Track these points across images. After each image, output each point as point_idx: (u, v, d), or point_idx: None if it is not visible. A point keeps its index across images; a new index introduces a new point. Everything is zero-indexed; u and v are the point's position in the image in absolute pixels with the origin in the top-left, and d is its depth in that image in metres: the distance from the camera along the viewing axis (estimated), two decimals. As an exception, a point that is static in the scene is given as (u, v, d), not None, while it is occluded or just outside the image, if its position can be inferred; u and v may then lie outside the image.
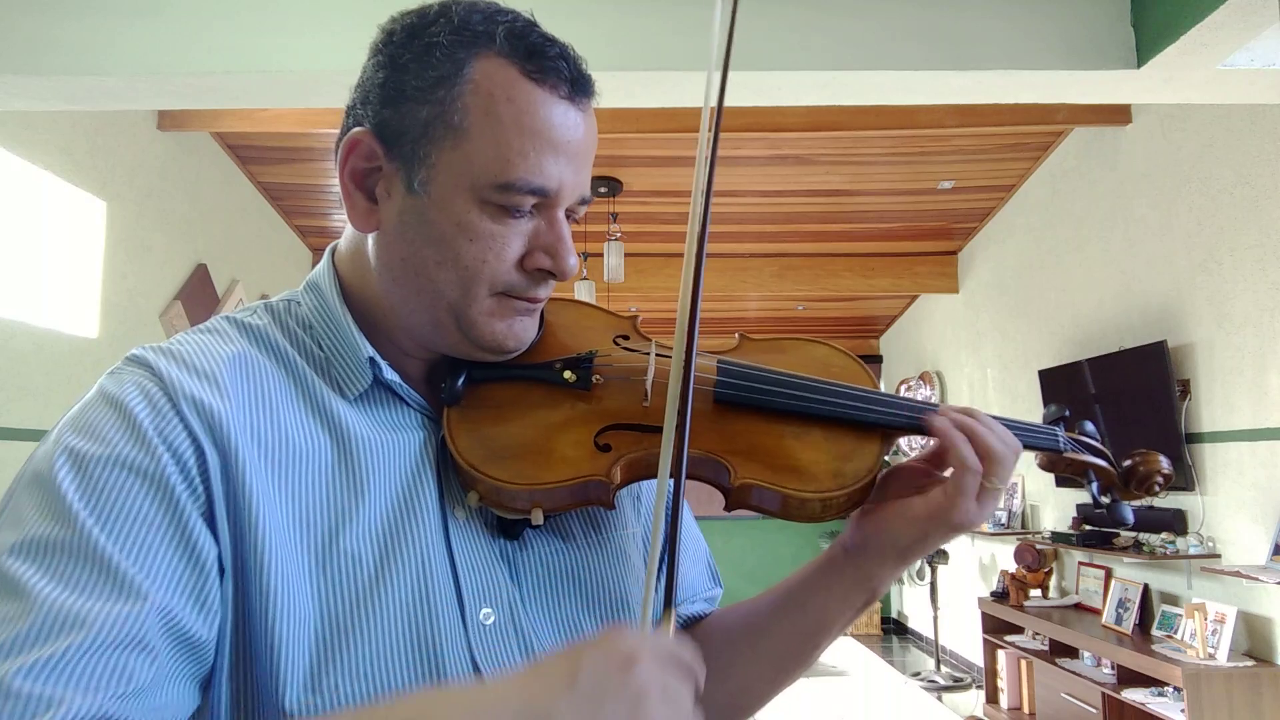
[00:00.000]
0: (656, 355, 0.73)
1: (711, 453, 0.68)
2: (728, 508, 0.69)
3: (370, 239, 0.67)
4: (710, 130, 0.66)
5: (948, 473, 0.69)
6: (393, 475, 0.64)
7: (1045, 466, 0.78)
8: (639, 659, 0.49)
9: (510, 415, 0.69)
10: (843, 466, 0.69)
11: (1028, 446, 0.73)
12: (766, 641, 0.76)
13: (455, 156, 0.62)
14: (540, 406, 0.70)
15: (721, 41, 0.67)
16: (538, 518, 0.65)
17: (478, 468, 0.64)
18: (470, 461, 0.64)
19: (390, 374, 0.67)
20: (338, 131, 0.69)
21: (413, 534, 0.62)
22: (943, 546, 6.22)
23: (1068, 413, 0.78)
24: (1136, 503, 0.77)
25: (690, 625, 0.82)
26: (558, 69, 0.64)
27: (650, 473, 0.68)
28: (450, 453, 0.65)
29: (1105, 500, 0.77)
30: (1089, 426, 0.78)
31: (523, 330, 0.68)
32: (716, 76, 0.66)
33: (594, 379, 0.70)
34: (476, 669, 0.61)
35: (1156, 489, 0.76)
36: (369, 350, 0.66)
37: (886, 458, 0.72)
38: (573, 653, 0.50)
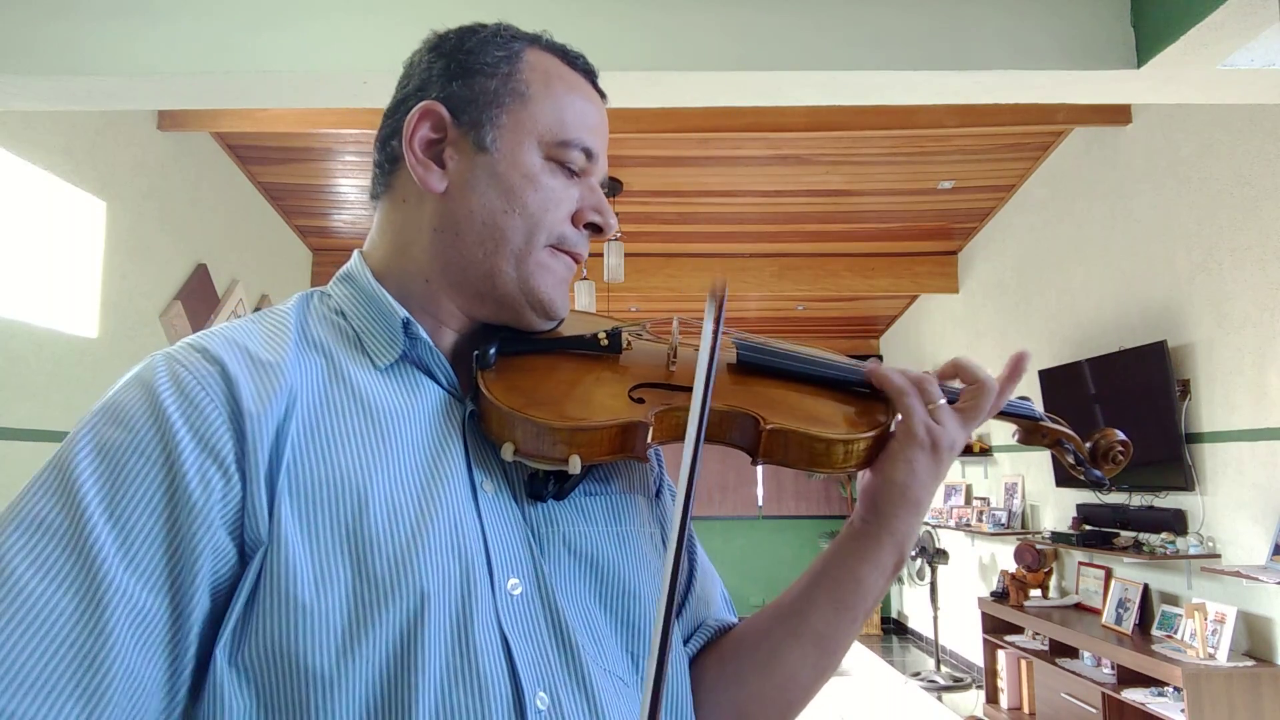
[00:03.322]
0: (679, 330, 0.80)
1: (739, 407, 0.72)
2: (755, 461, 0.73)
3: (429, 205, 0.73)
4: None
5: None
6: (422, 446, 0.66)
7: (1024, 439, 0.87)
8: None
9: (545, 376, 0.72)
10: (858, 418, 0.76)
11: (1007, 414, 0.82)
12: (805, 623, 0.77)
13: (522, 116, 0.72)
14: (573, 370, 0.74)
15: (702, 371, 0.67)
16: (575, 465, 0.66)
17: (519, 410, 0.66)
18: (511, 405, 0.66)
19: (424, 335, 0.70)
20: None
21: (444, 502, 0.64)
22: (942, 547, 6.23)
23: (1031, 399, 0.88)
24: (1107, 475, 0.87)
25: (718, 638, 0.83)
26: (588, 66, 0.78)
27: (678, 433, 0.71)
28: (486, 403, 0.68)
29: (1082, 466, 0.86)
30: (1050, 414, 0.88)
31: (565, 295, 0.76)
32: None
33: (625, 344, 0.76)
34: (504, 638, 0.62)
35: (1119, 459, 0.85)
36: (403, 313, 0.70)
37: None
38: None
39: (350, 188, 5.46)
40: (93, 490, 0.55)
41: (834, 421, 0.74)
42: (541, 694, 0.61)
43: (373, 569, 0.59)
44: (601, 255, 4.91)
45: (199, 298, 4.83)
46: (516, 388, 0.69)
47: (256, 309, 5.64)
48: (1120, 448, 0.85)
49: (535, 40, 0.76)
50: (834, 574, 0.77)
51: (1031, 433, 0.86)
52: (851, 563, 0.76)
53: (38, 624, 0.52)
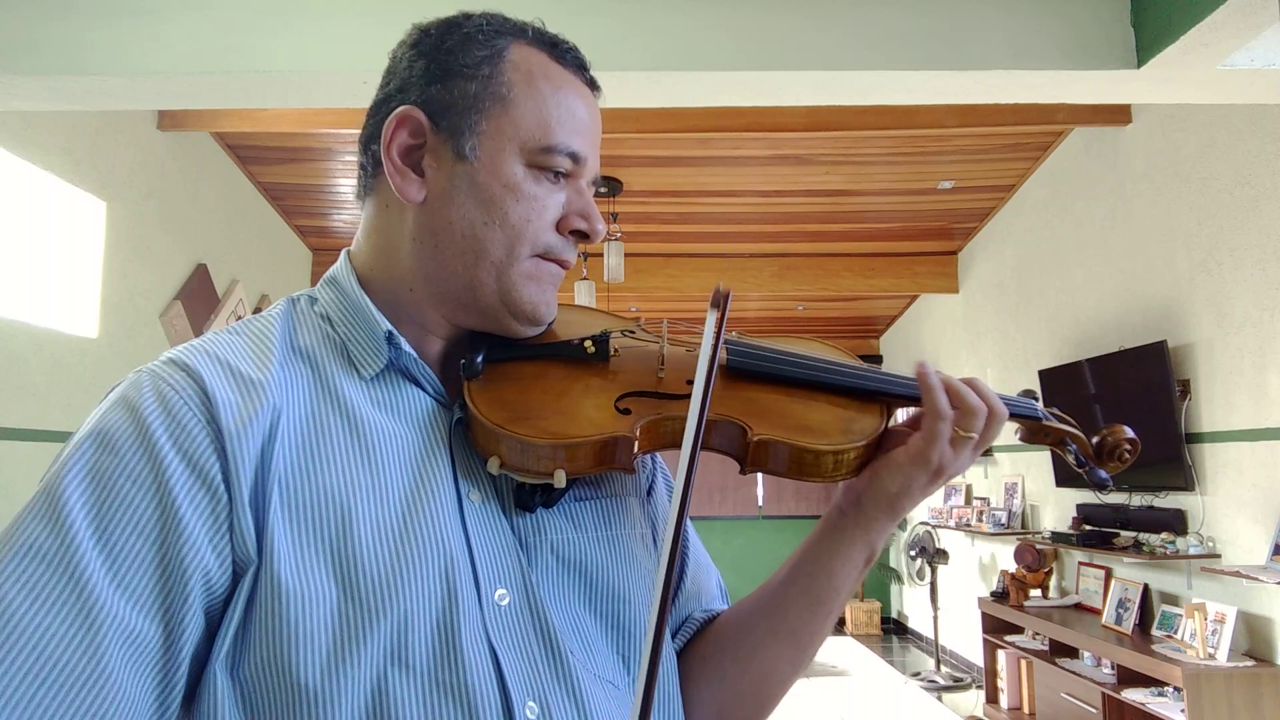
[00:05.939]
0: (668, 333, 0.79)
1: (727, 415, 0.71)
2: (744, 470, 0.72)
3: (410, 215, 0.71)
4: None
5: None
6: (407, 457, 0.65)
7: (1026, 438, 0.84)
8: None
9: (531, 385, 0.71)
10: (850, 426, 0.74)
11: (1012, 416, 0.79)
12: (781, 617, 0.78)
13: (503, 123, 0.69)
14: (560, 378, 0.73)
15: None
16: (560, 479, 0.65)
17: (503, 425, 0.65)
18: (495, 420, 0.65)
19: (407, 347, 0.69)
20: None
21: (429, 514, 0.63)
22: (942, 547, 6.22)
23: (1038, 394, 0.85)
24: (1111, 473, 0.84)
25: (703, 629, 0.83)
26: (578, 59, 0.74)
27: (666, 441, 0.71)
28: (471, 416, 0.67)
29: (1085, 466, 0.83)
30: (1054, 409, 0.86)
31: (552, 300, 0.74)
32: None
33: (612, 350, 0.74)
34: (492, 649, 0.62)
35: (1126, 457, 0.83)
36: (386, 325, 0.69)
37: None
38: None
39: (350, 188, 5.41)
40: (82, 517, 0.55)
41: (825, 431, 0.73)
42: (531, 703, 0.61)
43: (357, 588, 0.59)
44: (601, 255, 4.91)
45: (199, 298, 4.83)
46: (501, 400, 0.68)
47: (257, 309, 5.55)
48: (1128, 445, 0.82)
49: (522, 33, 0.72)
50: (808, 569, 0.78)
51: (1035, 432, 0.83)
52: (824, 558, 0.77)
53: (32, 650, 0.52)
